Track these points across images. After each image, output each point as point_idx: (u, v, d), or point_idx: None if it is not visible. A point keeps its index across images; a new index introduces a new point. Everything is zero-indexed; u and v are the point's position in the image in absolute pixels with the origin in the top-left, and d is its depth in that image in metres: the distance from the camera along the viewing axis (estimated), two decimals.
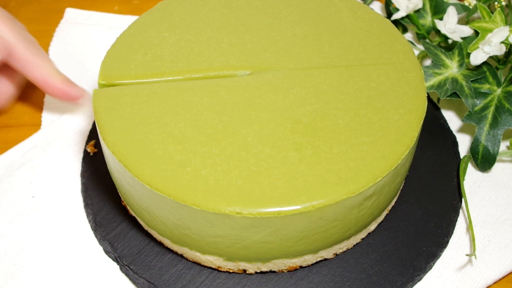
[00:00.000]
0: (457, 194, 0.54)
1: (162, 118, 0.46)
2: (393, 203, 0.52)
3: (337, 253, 0.50)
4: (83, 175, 0.56)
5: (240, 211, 0.41)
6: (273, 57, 0.51)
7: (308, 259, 0.48)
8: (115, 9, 0.75)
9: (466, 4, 0.63)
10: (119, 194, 0.52)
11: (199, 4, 0.56)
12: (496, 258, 0.51)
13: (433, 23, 0.65)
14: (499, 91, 0.56)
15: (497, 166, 0.57)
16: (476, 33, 0.57)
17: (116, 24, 0.71)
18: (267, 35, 0.53)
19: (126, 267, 0.50)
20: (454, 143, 0.58)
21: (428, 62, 0.66)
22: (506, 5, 0.59)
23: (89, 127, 0.60)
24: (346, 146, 0.45)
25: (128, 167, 0.44)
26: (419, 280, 0.49)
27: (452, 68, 0.57)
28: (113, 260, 0.51)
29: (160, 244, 0.51)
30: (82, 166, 0.57)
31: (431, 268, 0.50)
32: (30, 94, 0.65)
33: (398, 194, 0.53)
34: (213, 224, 0.42)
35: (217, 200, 0.41)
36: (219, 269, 0.49)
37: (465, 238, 0.52)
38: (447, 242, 0.51)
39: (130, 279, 0.50)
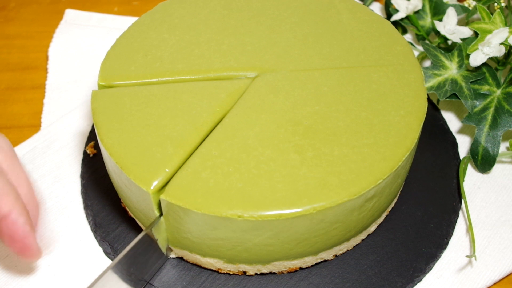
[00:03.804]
0: (457, 195, 0.54)
1: (161, 119, 0.46)
2: (393, 204, 0.53)
3: (337, 255, 0.50)
4: (83, 176, 0.56)
5: (242, 214, 0.41)
6: (273, 59, 0.51)
7: (308, 261, 0.48)
8: (115, 10, 0.75)
9: (466, 5, 0.63)
10: (119, 196, 0.52)
11: (199, 5, 0.56)
12: (496, 259, 0.51)
13: (433, 24, 0.65)
14: (498, 92, 0.56)
15: (496, 167, 0.57)
16: (476, 34, 0.57)
17: (116, 25, 0.71)
18: (267, 36, 0.53)
19: None
20: (454, 144, 0.58)
21: (427, 63, 0.66)
22: (506, 6, 0.59)
23: (89, 128, 0.60)
24: (347, 148, 0.45)
25: (125, 169, 0.44)
26: (419, 281, 0.49)
27: (451, 69, 0.57)
28: None
29: None
30: (82, 168, 0.57)
31: (430, 269, 0.50)
32: (29, 96, 0.65)
33: (398, 195, 0.53)
34: (214, 227, 0.42)
35: (218, 204, 0.41)
36: (219, 271, 0.49)
37: (465, 239, 0.52)
38: (447, 243, 0.51)
39: None
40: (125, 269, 0.45)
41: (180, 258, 0.50)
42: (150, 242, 0.46)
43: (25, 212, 0.44)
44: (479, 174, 0.57)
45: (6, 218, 0.43)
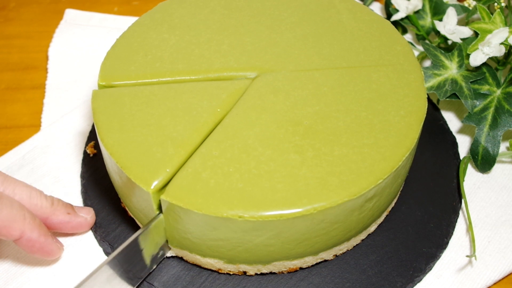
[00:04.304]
0: (457, 195, 0.54)
1: (162, 120, 0.46)
2: (393, 204, 0.53)
3: (337, 254, 0.50)
4: (83, 176, 0.56)
5: (242, 214, 0.41)
6: (273, 59, 0.51)
7: (308, 261, 0.48)
8: (115, 10, 0.75)
9: (466, 5, 0.63)
10: (119, 196, 0.52)
11: (199, 5, 0.56)
12: (496, 259, 0.51)
13: (433, 24, 0.65)
14: (498, 92, 0.56)
15: (497, 167, 0.57)
16: (476, 34, 0.57)
17: (116, 25, 0.71)
18: (268, 36, 0.53)
19: None
20: (454, 144, 0.58)
21: (427, 63, 0.66)
22: (506, 6, 0.59)
23: (89, 128, 0.60)
24: (347, 148, 0.45)
25: (125, 169, 0.44)
26: (419, 281, 0.49)
27: (451, 69, 0.57)
28: None
29: None
30: (82, 167, 0.57)
31: (431, 269, 0.50)
32: (29, 96, 0.65)
33: (398, 195, 0.53)
34: (215, 228, 0.42)
35: (218, 204, 0.41)
36: (219, 271, 0.49)
37: (465, 239, 0.52)
38: (447, 243, 0.51)
39: None
40: (121, 265, 0.45)
41: (180, 258, 0.50)
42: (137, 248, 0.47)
43: (36, 225, 0.46)
44: (479, 174, 0.57)
45: (21, 239, 0.45)
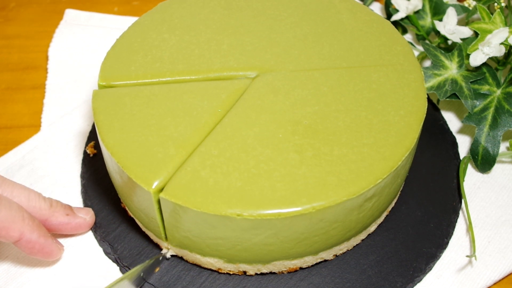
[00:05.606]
0: (457, 195, 0.54)
1: (162, 120, 0.46)
2: (393, 204, 0.53)
3: (337, 254, 0.50)
4: (83, 176, 0.56)
5: (241, 213, 0.41)
6: (273, 59, 0.51)
7: (308, 260, 0.48)
8: (115, 10, 0.75)
9: (466, 5, 0.63)
10: (119, 196, 0.52)
11: (199, 5, 0.56)
12: (496, 259, 0.51)
13: (433, 24, 0.65)
14: (498, 92, 0.56)
15: (497, 167, 0.57)
16: (476, 34, 0.57)
17: (116, 25, 0.71)
18: (268, 36, 0.53)
19: (126, 269, 0.50)
20: (454, 144, 0.58)
21: (427, 63, 0.66)
22: (506, 6, 0.59)
23: (89, 128, 0.60)
24: (346, 148, 0.45)
25: (126, 169, 0.44)
26: (419, 281, 0.49)
27: (451, 69, 0.57)
28: (113, 261, 0.51)
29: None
30: (82, 167, 0.57)
31: (431, 269, 0.50)
32: (29, 96, 0.65)
33: (398, 195, 0.53)
34: (214, 226, 0.42)
35: (218, 202, 0.41)
36: (219, 271, 0.49)
37: (465, 239, 0.52)
38: (447, 243, 0.51)
39: None
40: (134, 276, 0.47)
41: (180, 258, 0.50)
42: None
43: (35, 226, 0.46)
44: (479, 174, 0.57)
45: (20, 240, 0.45)
